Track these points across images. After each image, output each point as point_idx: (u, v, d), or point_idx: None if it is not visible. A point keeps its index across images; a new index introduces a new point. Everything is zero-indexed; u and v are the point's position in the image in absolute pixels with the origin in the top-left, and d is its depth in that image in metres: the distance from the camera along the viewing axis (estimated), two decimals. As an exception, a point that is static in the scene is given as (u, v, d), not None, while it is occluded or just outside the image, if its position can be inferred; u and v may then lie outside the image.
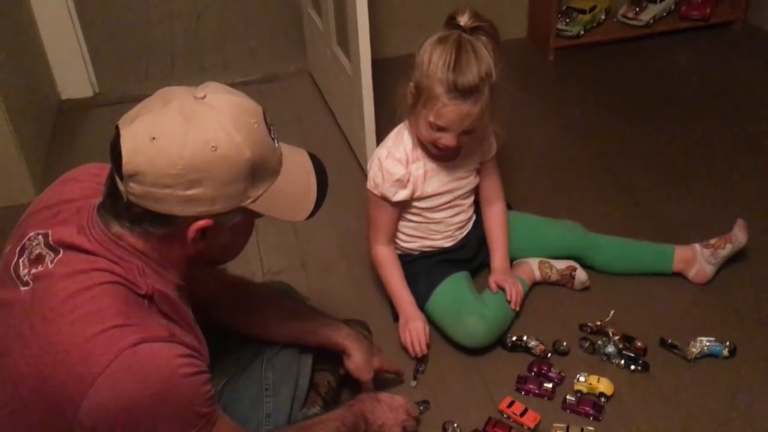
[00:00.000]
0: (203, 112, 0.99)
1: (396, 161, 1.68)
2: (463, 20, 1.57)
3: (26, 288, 1.02)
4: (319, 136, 2.63)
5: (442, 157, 1.71)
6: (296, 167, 1.13)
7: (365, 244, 1.83)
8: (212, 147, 0.97)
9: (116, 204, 1.02)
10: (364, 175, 2.33)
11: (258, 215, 1.09)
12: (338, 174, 2.41)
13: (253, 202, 1.05)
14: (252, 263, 2.05)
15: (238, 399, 1.39)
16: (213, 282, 1.40)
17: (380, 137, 2.16)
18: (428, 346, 1.71)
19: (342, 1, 2.19)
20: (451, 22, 1.59)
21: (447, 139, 1.60)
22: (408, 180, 1.69)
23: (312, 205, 1.13)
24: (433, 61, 1.54)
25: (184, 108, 0.98)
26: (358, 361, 1.50)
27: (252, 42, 3.41)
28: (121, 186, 1.00)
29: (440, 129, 1.59)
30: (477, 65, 1.53)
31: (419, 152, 1.70)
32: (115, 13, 3.76)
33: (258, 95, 3.14)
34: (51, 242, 1.04)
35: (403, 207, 1.75)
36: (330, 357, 1.54)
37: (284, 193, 1.09)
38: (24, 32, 2.64)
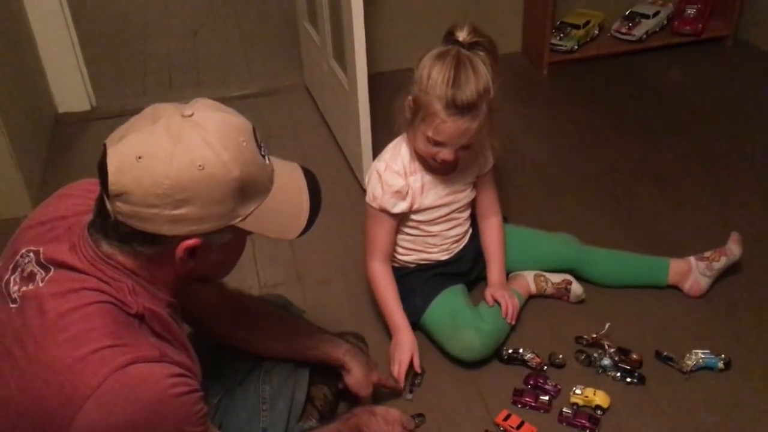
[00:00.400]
0: (190, 131, 0.97)
1: (395, 173, 1.69)
2: (462, 35, 1.58)
3: (15, 306, 1.01)
4: (316, 150, 2.64)
5: (440, 170, 1.72)
6: (288, 184, 1.12)
7: (362, 257, 1.83)
8: (199, 166, 0.96)
9: (105, 223, 1.02)
10: (361, 188, 2.35)
11: (249, 233, 1.08)
12: (334, 188, 2.42)
13: (243, 220, 1.04)
14: (248, 276, 2.06)
15: (234, 413, 1.38)
16: (212, 295, 1.40)
17: (377, 151, 2.17)
18: (422, 369, 1.70)
19: (338, 14, 2.20)
20: (450, 37, 1.60)
21: (445, 154, 1.61)
22: (407, 192, 1.70)
23: (304, 223, 1.12)
24: (432, 77, 1.55)
25: (171, 127, 0.97)
26: (357, 376, 1.50)
27: (249, 56, 3.43)
28: (108, 205, 0.99)
29: (438, 144, 1.60)
30: (475, 81, 1.54)
31: (417, 165, 1.71)
32: (113, 28, 3.78)
33: (255, 109, 3.16)
34: (42, 260, 1.03)
35: (400, 220, 1.76)
36: (326, 370, 1.54)
37: (275, 210, 1.07)
38: (22, 46, 2.65)
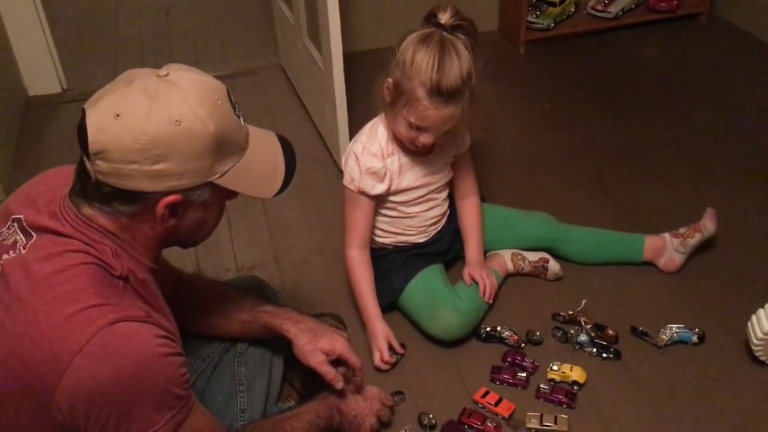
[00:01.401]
0: (167, 90, 1.00)
1: (372, 155, 1.68)
2: (444, 18, 1.56)
3: None
4: (292, 130, 2.62)
5: (418, 152, 1.71)
6: (264, 146, 1.15)
7: (340, 238, 1.83)
8: (176, 121, 0.99)
9: (86, 186, 1.04)
10: (338, 168, 2.34)
11: (227, 193, 1.10)
12: (311, 168, 2.41)
13: (221, 177, 1.06)
14: (225, 258, 2.04)
15: (211, 396, 1.38)
16: (171, 284, 1.38)
17: (353, 130, 2.16)
18: (403, 345, 1.72)
19: (312, -6, 2.18)
20: (432, 19, 1.57)
21: (426, 138, 1.60)
22: (384, 174, 1.69)
23: (280, 182, 1.15)
24: (416, 62, 1.52)
25: (148, 86, 1.00)
26: (299, 343, 1.38)
27: (223, 36, 3.39)
28: (89, 166, 1.01)
29: (420, 129, 1.59)
30: (459, 68, 1.52)
31: (394, 146, 1.70)
32: (83, 9, 3.70)
33: (230, 89, 3.12)
34: (25, 226, 1.05)
35: (378, 202, 1.75)
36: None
37: (252, 169, 1.10)
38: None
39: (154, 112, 0.98)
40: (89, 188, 1.03)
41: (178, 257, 2.02)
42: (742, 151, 2.40)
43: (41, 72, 2.83)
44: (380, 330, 1.71)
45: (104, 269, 1.02)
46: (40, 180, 1.16)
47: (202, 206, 1.08)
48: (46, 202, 1.08)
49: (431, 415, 1.55)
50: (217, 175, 1.06)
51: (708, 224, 1.88)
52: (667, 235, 1.90)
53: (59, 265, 1.00)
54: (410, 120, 1.58)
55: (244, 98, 2.79)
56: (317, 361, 1.36)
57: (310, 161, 2.44)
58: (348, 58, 2.14)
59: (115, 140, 0.97)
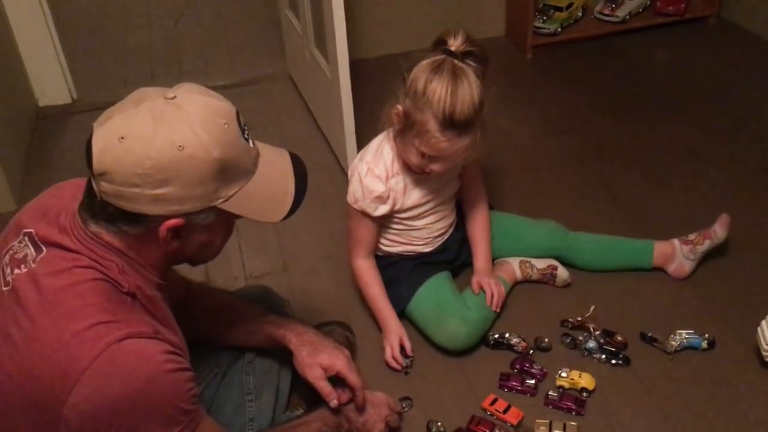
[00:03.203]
0: (172, 113, 1.00)
1: (375, 178, 1.66)
2: (455, 45, 1.52)
3: (7, 288, 1.03)
4: (300, 139, 2.63)
5: (424, 174, 1.67)
6: (273, 168, 1.13)
7: (347, 246, 1.83)
8: (179, 147, 0.98)
9: (92, 203, 1.04)
10: (345, 176, 2.33)
11: (234, 216, 1.09)
12: (319, 176, 2.41)
13: (225, 201, 1.05)
14: (234, 267, 2.05)
15: (220, 405, 1.39)
16: (179, 292, 1.39)
17: (360, 138, 2.17)
18: (411, 351, 1.72)
19: (319, 2, 2.19)
20: (442, 45, 1.54)
21: (437, 167, 1.59)
22: (388, 196, 1.68)
23: (288, 206, 1.13)
24: (428, 93, 1.48)
25: (154, 109, 1.00)
26: (299, 356, 1.37)
27: (231, 45, 3.41)
28: (94, 185, 1.02)
29: (432, 158, 1.57)
30: (471, 98, 1.49)
31: (399, 167, 1.68)
32: (93, 19, 3.74)
33: (238, 99, 3.14)
34: (36, 240, 1.06)
35: (384, 218, 1.74)
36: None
37: (258, 193, 1.09)
38: (11, 68, 2.62)
39: (157, 136, 0.98)
40: (95, 206, 1.04)
41: (188, 267, 2.04)
42: (752, 154, 2.38)
43: (51, 82, 2.86)
44: (394, 328, 1.72)
45: (112, 285, 1.02)
46: (53, 192, 1.17)
47: (207, 229, 1.08)
48: (56, 215, 1.09)
49: (440, 423, 1.55)
50: (222, 200, 1.05)
51: (718, 231, 1.87)
52: (676, 242, 1.89)
53: (67, 281, 1.00)
54: (422, 150, 1.55)
55: (251, 106, 2.81)
56: (314, 375, 1.35)
57: (317, 169, 2.44)
58: (355, 65, 2.15)
59: (118, 163, 0.98)
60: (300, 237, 2.17)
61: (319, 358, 1.35)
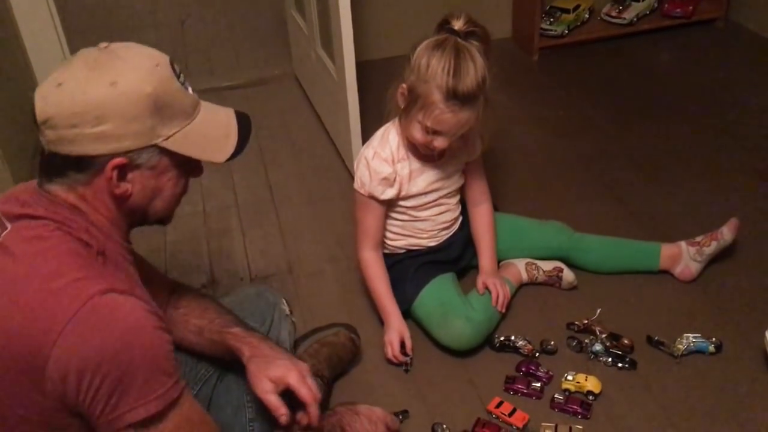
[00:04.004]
0: (105, 59, 1.05)
1: (382, 161, 1.69)
2: (458, 25, 1.58)
3: None
4: (306, 140, 2.63)
5: (429, 157, 1.71)
6: (215, 114, 1.17)
7: (353, 247, 1.83)
8: (111, 83, 1.02)
9: (43, 162, 1.08)
10: (351, 177, 2.33)
11: (179, 160, 1.11)
12: (325, 177, 2.41)
13: (166, 140, 1.08)
14: (239, 268, 2.05)
15: (219, 406, 1.38)
16: (165, 294, 1.39)
17: (366, 139, 2.15)
18: (411, 350, 1.72)
19: (325, 3, 2.19)
20: (445, 26, 1.59)
21: (440, 143, 1.61)
22: (395, 179, 1.70)
23: (232, 148, 1.16)
24: (432, 66, 1.54)
25: (88, 57, 1.06)
26: (248, 369, 1.30)
27: (237, 46, 3.41)
28: (42, 139, 1.05)
29: (435, 133, 1.60)
30: (474, 72, 1.54)
31: (405, 152, 1.71)
32: (100, 20, 3.74)
33: (244, 100, 3.14)
34: (1, 218, 1.07)
35: (389, 206, 1.75)
36: (315, 362, 1.53)
37: (200, 134, 1.12)
38: (7, 42, 2.63)
39: (91, 77, 1.03)
40: (46, 163, 1.08)
41: (194, 266, 2.05)
42: (759, 156, 2.37)
43: (58, 83, 2.86)
44: (396, 325, 1.72)
45: (83, 245, 1.04)
46: (19, 186, 1.19)
47: (153, 171, 1.10)
48: (17, 194, 1.11)
49: (445, 426, 1.54)
50: (162, 138, 1.07)
51: (726, 233, 1.86)
52: (683, 244, 1.88)
53: (40, 246, 1.02)
54: (426, 124, 1.58)
55: (257, 107, 2.81)
56: (262, 389, 1.27)
57: (323, 170, 2.44)
58: (361, 67, 2.15)
59: (57, 106, 1.02)
60: (305, 239, 2.16)
61: (269, 371, 1.28)
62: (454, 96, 1.53)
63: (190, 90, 1.13)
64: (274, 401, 1.26)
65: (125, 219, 1.13)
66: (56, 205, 1.06)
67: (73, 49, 2.86)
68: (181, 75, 1.12)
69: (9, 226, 1.05)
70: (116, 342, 0.97)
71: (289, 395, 1.29)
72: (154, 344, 1.01)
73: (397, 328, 1.72)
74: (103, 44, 1.08)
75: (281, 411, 1.26)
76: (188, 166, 1.15)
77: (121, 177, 1.07)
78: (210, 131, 1.14)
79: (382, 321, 1.77)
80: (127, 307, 1.00)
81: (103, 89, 1.02)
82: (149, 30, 3.64)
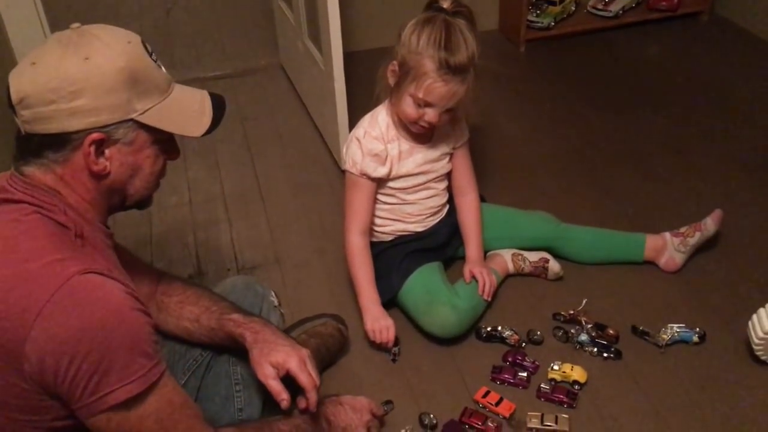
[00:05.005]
0: (78, 37, 1.07)
1: (373, 138, 1.71)
2: (446, 4, 1.62)
3: None
4: (292, 130, 2.62)
5: (419, 137, 1.73)
6: (189, 92, 1.18)
7: (341, 238, 1.83)
8: (85, 58, 1.04)
9: (20, 144, 1.08)
10: (339, 168, 2.34)
11: (157, 137, 1.12)
12: (312, 168, 2.41)
13: (141, 114, 1.08)
14: (226, 259, 2.05)
15: (208, 397, 1.38)
16: (151, 282, 1.39)
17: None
18: (398, 340, 1.72)
19: (312, -6, 2.18)
20: (434, 5, 1.64)
21: (430, 116, 1.63)
22: (386, 157, 1.71)
23: (208, 123, 1.17)
24: (423, 38, 1.58)
25: (61, 37, 1.07)
26: (251, 354, 1.32)
27: (223, 36, 3.38)
28: (17, 120, 1.06)
29: (426, 105, 1.62)
30: (465, 45, 1.58)
31: (394, 133, 1.73)
32: (84, 7, 3.69)
33: (230, 90, 3.12)
34: None
35: (378, 187, 1.76)
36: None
37: (175, 109, 1.13)
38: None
39: (65, 55, 1.04)
40: (22, 145, 1.08)
41: (180, 259, 2.04)
42: (743, 149, 2.40)
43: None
44: (377, 313, 1.72)
45: (61, 228, 1.04)
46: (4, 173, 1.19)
47: (131, 148, 1.10)
48: None
49: (432, 415, 1.55)
50: (138, 113, 1.08)
51: (709, 224, 1.88)
52: (667, 235, 1.90)
53: (17, 229, 1.02)
54: (418, 95, 1.60)
55: (243, 98, 2.80)
56: (264, 373, 1.29)
57: (310, 161, 2.44)
58: (348, 57, 2.15)
59: (32, 84, 1.03)
60: (292, 229, 2.16)
61: (271, 356, 1.30)
62: (447, 66, 1.56)
63: (163, 69, 1.14)
64: (275, 386, 1.28)
65: (104, 200, 1.13)
66: (33, 188, 1.06)
67: (57, 38, 2.85)
68: (153, 54, 1.13)
69: None
70: (95, 323, 0.96)
71: (289, 379, 1.30)
72: (134, 325, 1.01)
73: (384, 317, 1.72)
74: (75, 25, 1.09)
75: (282, 396, 1.28)
76: (165, 146, 1.16)
77: (99, 153, 1.07)
78: (185, 107, 1.16)
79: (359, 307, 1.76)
80: (106, 287, 1.00)
81: (77, 64, 1.03)
82: (134, 19, 3.60)
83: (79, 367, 0.96)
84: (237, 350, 1.38)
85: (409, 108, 1.64)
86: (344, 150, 1.77)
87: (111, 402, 0.99)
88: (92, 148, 1.06)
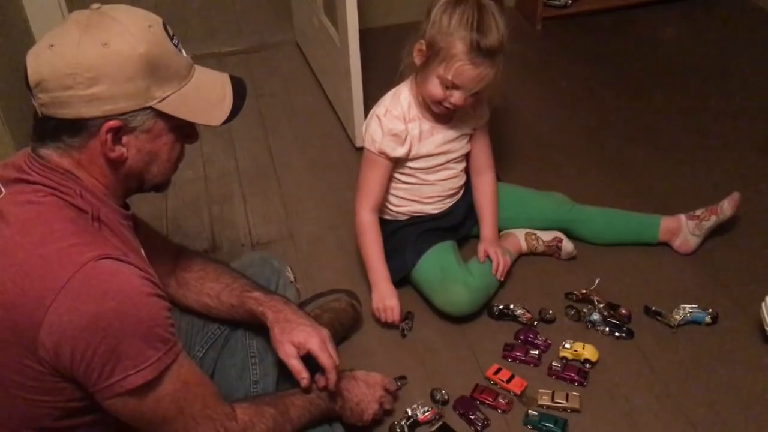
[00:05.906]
0: (97, 20, 1.03)
1: (394, 118, 1.70)
2: None
3: None
4: (307, 107, 2.62)
5: (441, 117, 1.72)
6: (210, 78, 1.15)
7: (354, 214, 1.83)
8: (104, 44, 1.01)
9: (37, 126, 1.06)
10: (352, 145, 2.34)
11: (175, 124, 1.10)
12: (326, 145, 2.41)
13: (160, 102, 1.06)
14: (241, 234, 2.06)
15: (224, 369, 1.40)
16: (169, 258, 1.39)
17: (368, 107, 2.15)
18: (410, 314, 1.74)
19: (329, -31, 2.17)
20: None
21: (457, 98, 1.62)
22: (406, 137, 1.71)
23: (227, 111, 1.14)
24: (454, 19, 1.55)
25: (80, 19, 1.04)
26: (272, 332, 1.34)
27: (238, 12, 3.37)
28: (34, 102, 1.04)
29: (454, 87, 1.60)
30: (497, 28, 1.56)
31: (415, 113, 1.72)
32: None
33: (245, 66, 3.10)
34: None
35: (396, 167, 1.76)
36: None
37: (195, 97, 1.10)
38: (6, 5, 2.59)
39: (84, 38, 1.01)
40: (39, 127, 1.06)
41: (195, 233, 2.06)
42: (759, 130, 2.38)
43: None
44: (387, 291, 1.73)
45: (77, 211, 1.03)
46: (25, 149, 1.17)
47: (148, 135, 1.08)
48: (16, 159, 1.10)
49: (444, 391, 1.56)
50: (156, 100, 1.06)
51: (726, 207, 1.87)
52: (682, 217, 1.89)
53: (33, 211, 1.02)
54: (446, 77, 1.59)
55: (258, 74, 2.80)
56: (285, 352, 1.31)
57: (325, 138, 2.44)
58: (364, 34, 2.14)
59: (50, 68, 1.00)
60: (306, 205, 2.17)
61: (292, 336, 1.32)
62: (478, 48, 1.54)
63: (184, 53, 1.11)
64: (296, 365, 1.30)
65: (121, 185, 1.12)
66: (50, 170, 1.05)
67: (72, 9, 2.85)
68: (175, 38, 1.10)
69: (3, 190, 1.04)
70: (108, 311, 0.96)
71: (308, 358, 1.32)
72: (149, 311, 1.01)
73: (385, 296, 1.73)
74: (95, 5, 1.06)
75: (302, 375, 1.30)
76: (184, 131, 1.13)
77: (116, 140, 1.05)
78: (205, 94, 1.12)
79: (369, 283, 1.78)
80: (122, 273, 0.99)
81: (95, 50, 1.00)
82: (149, -7, 3.60)
83: (94, 354, 0.97)
84: (253, 324, 1.40)
85: (435, 89, 1.62)
86: (363, 127, 1.77)
87: (126, 386, 1.00)
88: (109, 136, 1.03)
